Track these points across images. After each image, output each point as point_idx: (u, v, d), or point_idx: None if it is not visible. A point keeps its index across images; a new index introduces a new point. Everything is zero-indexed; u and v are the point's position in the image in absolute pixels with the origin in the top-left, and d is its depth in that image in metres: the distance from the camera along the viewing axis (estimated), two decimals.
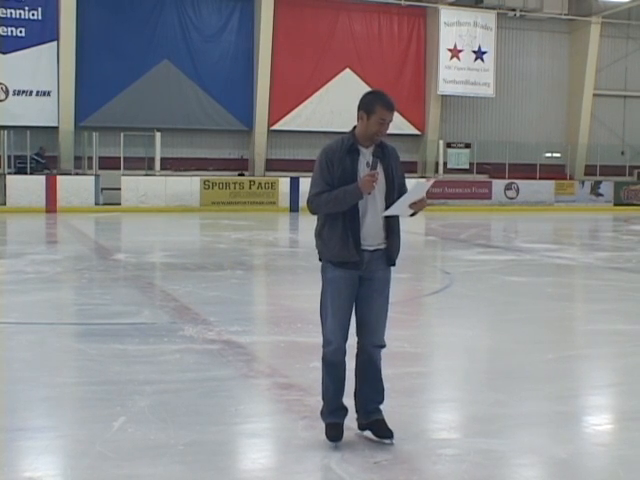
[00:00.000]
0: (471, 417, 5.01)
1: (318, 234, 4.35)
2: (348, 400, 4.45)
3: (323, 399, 4.42)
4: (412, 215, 4.33)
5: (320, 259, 4.40)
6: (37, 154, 24.76)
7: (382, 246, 4.30)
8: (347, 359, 4.39)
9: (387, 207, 4.25)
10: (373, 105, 4.22)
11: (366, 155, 4.26)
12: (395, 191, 4.29)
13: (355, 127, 4.31)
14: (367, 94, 4.31)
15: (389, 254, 4.32)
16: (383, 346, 4.43)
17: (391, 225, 4.31)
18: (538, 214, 27.39)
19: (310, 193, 4.26)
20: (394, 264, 4.38)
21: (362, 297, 4.31)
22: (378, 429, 4.39)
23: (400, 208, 4.23)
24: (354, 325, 4.39)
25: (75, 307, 9.00)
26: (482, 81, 30.20)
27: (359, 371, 4.44)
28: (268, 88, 27.60)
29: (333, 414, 4.38)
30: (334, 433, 4.33)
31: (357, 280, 4.28)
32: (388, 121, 4.22)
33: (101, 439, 4.34)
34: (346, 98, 25.03)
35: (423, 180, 4.36)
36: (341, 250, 4.22)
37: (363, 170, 4.22)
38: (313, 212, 4.31)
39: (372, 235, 4.26)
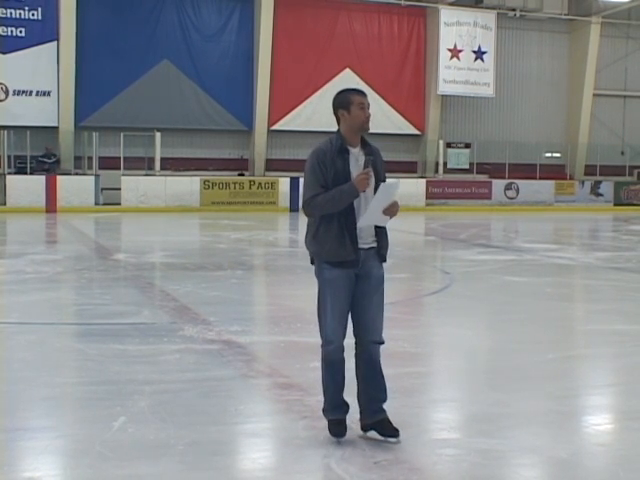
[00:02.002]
0: (471, 417, 5.01)
1: (312, 237, 4.36)
2: (350, 399, 4.45)
3: (325, 397, 4.43)
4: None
5: (312, 262, 4.43)
6: (44, 155, 24.72)
7: (374, 244, 4.36)
8: (345, 359, 4.39)
9: None
10: (346, 98, 4.34)
11: (355, 154, 4.31)
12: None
13: (339, 130, 4.36)
14: (335, 97, 4.40)
15: (380, 251, 4.38)
16: (382, 342, 4.45)
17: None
18: (538, 214, 27.39)
19: (305, 197, 4.28)
20: (385, 260, 4.43)
21: (359, 295, 4.34)
22: (384, 428, 4.38)
23: (374, 216, 4.24)
24: (350, 325, 4.41)
25: (75, 307, 9.00)
26: (482, 81, 30.19)
27: (361, 371, 4.43)
28: (268, 88, 27.59)
29: (335, 410, 4.39)
30: (338, 429, 4.34)
31: (354, 278, 4.31)
32: (367, 104, 4.32)
33: (101, 439, 4.34)
34: None
35: (388, 182, 4.32)
36: (338, 249, 4.25)
37: (354, 169, 4.25)
38: (309, 215, 4.34)
39: (366, 233, 4.32)
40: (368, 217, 4.24)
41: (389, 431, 4.36)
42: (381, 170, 4.37)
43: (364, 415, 4.44)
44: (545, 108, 32.27)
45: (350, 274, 4.29)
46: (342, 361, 4.36)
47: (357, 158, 4.30)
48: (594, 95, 32.13)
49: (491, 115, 31.46)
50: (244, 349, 6.56)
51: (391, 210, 4.24)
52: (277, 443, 4.50)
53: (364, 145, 4.35)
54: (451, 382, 5.98)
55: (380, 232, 4.37)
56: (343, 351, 4.35)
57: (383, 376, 4.47)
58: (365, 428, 4.44)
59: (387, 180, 4.35)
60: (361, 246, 4.29)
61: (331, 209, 4.22)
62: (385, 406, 4.46)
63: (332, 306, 4.29)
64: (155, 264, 12.75)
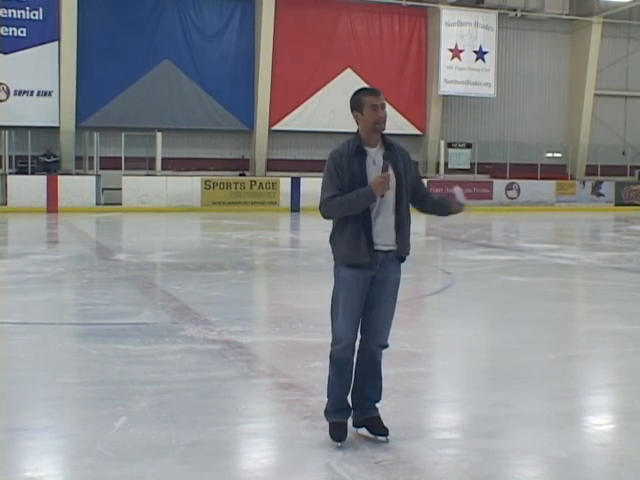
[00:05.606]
0: (472, 417, 5.01)
1: (331, 237, 4.38)
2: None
3: (328, 397, 4.42)
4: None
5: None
6: (44, 155, 24.72)
7: (394, 247, 4.32)
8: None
9: (397, 206, 4.28)
10: (359, 99, 4.32)
11: (373, 155, 4.29)
12: (406, 191, 4.33)
13: (358, 130, 4.34)
14: (351, 97, 4.39)
15: (400, 252, 4.35)
16: (386, 346, 4.46)
17: (401, 225, 4.33)
18: (539, 214, 27.38)
19: (322, 198, 4.27)
20: (404, 259, 4.40)
21: (373, 298, 4.32)
22: (374, 426, 4.41)
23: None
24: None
25: (76, 307, 9.00)
26: (483, 81, 30.19)
27: (360, 369, 4.44)
28: (269, 88, 27.60)
29: (338, 413, 4.39)
30: (339, 433, 4.33)
31: (369, 280, 4.29)
32: (381, 105, 4.28)
33: (102, 439, 4.34)
34: (347, 98, 24.13)
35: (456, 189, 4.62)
36: (352, 251, 4.24)
37: (371, 170, 4.23)
38: (325, 216, 4.32)
39: (385, 235, 4.28)
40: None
41: (379, 430, 4.39)
42: (406, 170, 4.33)
43: (357, 412, 4.46)
44: (546, 108, 32.28)
45: (366, 275, 4.27)
46: (350, 361, 4.36)
47: (374, 159, 4.27)
48: (595, 95, 32.12)
49: (492, 115, 31.45)
50: (245, 349, 6.56)
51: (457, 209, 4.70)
52: (278, 443, 4.50)
53: (386, 145, 4.32)
54: (452, 382, 5.98)
55: (402, 233, 4.33)
56: (353, 352, 4.35)
57: (381, 378, 4.48)
58: (357, 425, 4.47)
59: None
60: (379, 248, 4.26)
61: (347, 212, 4.21)
62: (384, 406, 4.47)
63: (344, 305, 4.29)
64: (156, 264, 12.75)
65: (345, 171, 4.22)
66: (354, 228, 4.23)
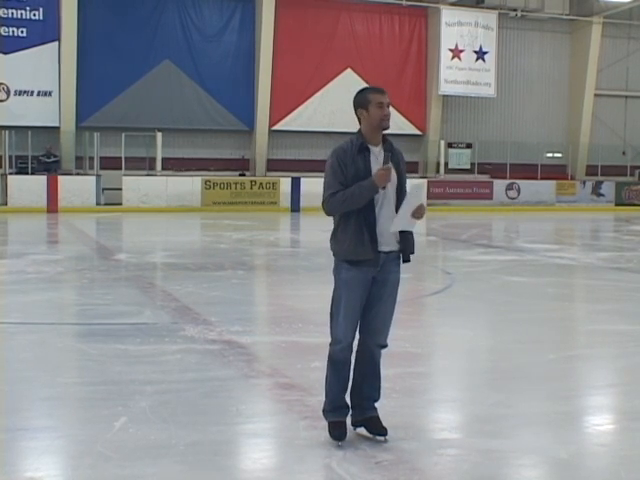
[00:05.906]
0: (472, 417, 5.01)
1: (333, 235, 4.37)
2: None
3: (326, 397, 4.42)
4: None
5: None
6: (43, 155, 24.71)
7: (396, 247, 4.32)
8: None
9: (398, 202, 4.27)
10: (365, 97, 4.31)
11: (376, 153, 4.30)
12: (405, 188, 4.35)
13: (360, 130, 4.34)
14: (355, 95, 4.39)
15: (405, 252, 4.34)
16: (386, 346, 4.46)
17: None
18: (539, 214, 27.38)
19: (324, 195, 4.28)
20: (409, 260, 4.38)
21: (373, 298, 4.32)
22: (373, 426, 4.41)
23: (404, 221, 4.23)
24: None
25: (76, 307, 9.00)
26: (483, 81, 30.19)
27: (359, 368, 4.44)
28: (269, 88, 27.61)
29: (336, 412, 4.39)
30: (338, 432, 4.33)
31: (371, 281, 4.29)
32: (386, 103, 4.29)
33: (102, 439, 4.34)
34: (347, 98, 24.52)
35: (415, 184, 4.36)
36: (356, 247, 4.22)
37: (375, 167, 4.24)
38: (328, 213, 4.32)
39: (388, 235, 4.26)
40: (399, 222, 4.22)
41: (378, 429, 4.39)
42: (403, 169, 4.37)
43: (355, 411, 4.46)
44: (546, 108, 32.28)
45: (367, 276, 4.26)
46: (348, 361, 4.37)
47: (377, 157, 4.29)
48: (595, 95, 32.12)
49: (492, 115, 31.45)
50: (245, 349, 6.56)
51: (419, 213, 4.22)
52: (278, 443, 4.50)
53: (386, 145, 4.34)
54: (452, 382, 5.98)
55: (405, 234, 4.32)
56: (351, 352, 4.36)
57: (380, 377, 4.49)
58: (355, 424, 4.47)
59: (413, 182, 4.35)
60: (382, 249, 4.25)
61: (350, 206, 4.20)
62: (384, 406, 4.47)
63: (346, 307, 4.28)
64: (156, 264, 12.76)
65: (349, 167, 4.23)
66: (357, 226, 4.22)
